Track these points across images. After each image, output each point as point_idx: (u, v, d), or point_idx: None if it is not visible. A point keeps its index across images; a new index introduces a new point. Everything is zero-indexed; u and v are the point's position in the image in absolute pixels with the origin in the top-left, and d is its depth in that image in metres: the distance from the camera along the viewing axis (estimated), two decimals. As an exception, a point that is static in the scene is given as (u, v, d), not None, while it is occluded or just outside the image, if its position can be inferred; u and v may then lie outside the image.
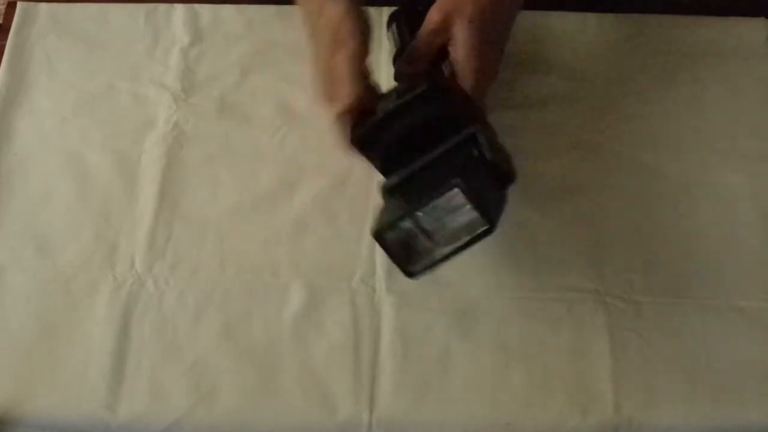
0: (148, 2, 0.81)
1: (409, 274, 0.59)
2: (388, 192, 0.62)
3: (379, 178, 0.64)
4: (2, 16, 0.81)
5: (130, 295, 0.68)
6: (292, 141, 0.75)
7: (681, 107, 0.77)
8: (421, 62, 0.65)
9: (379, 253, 0.70)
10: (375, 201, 0.72)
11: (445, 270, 0.69)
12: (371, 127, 0.61)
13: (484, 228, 0.57)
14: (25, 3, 0.81)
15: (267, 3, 0.81)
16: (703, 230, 0.72)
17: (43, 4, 0.81)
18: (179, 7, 0.81)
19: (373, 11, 0.66)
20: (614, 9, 0.82)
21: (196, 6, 0.81)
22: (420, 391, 0.65)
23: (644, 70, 0.79)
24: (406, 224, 0.58)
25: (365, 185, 0.71)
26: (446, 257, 0.59)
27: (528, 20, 0.80)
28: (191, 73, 0.78)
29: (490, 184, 0.60)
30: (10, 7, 0.81)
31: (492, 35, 0.64)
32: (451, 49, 0.63)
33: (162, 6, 0.81)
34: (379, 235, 0.58)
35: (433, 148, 0.60)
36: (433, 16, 0.63)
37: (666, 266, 0.70)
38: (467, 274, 0.69)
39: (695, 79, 0.79)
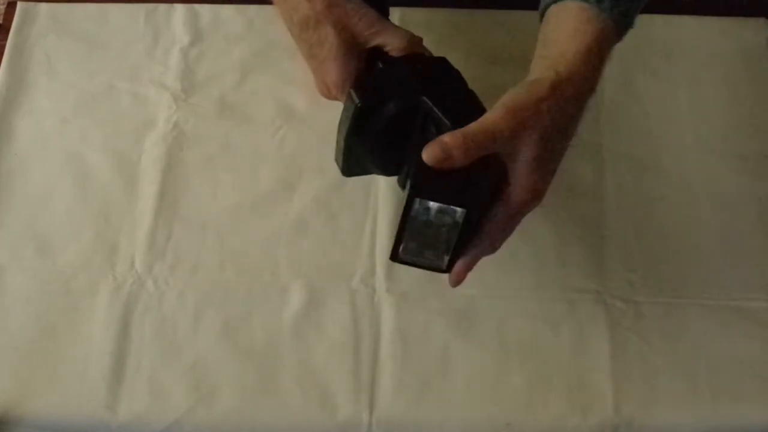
0: (148, 2, 0.81)
1: (442, 270, 0.59)
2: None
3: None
4: (2, 16, 0.81)
5: (130, 295, 0.68)
6: (292, 141, 0.75)
7: (681, 107, 0.77)
8: (460, 161, 0.52)
9: (379, 254, 0.70)
10: (375, 201, 0.72)
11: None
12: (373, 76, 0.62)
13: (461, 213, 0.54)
14: (25, 3, 0.81)
15: (267, 3, 0.81)
16: (703, 230, 0.72)
17: (43, 4, 0.81)
18: (179, 7, 0.81)
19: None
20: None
21: (196, 6, 0.81)
22: (420, 391, 0.65)
23: (644, 70, 0.79)
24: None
25: (365, 185, 0.71)
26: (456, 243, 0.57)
27: (528, 20, 0.80)
28: (191, 73, 0.78)
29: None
30: (10, 7, 0.81)
31: (555, 154, 0.56)
32: (508, 159, 0.54)
33: (162, 6, 0.81)
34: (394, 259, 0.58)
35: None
36: (500, 121, 0.52)
37: (666, 266, 0.70)
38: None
39: (695, 79, 0.79)
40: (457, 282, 0.59)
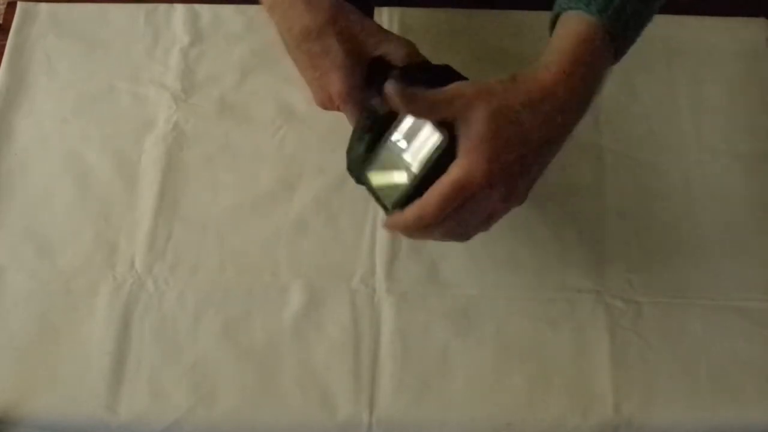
0: (148, 2, 0.81)
1: (387, 210, 0.59)
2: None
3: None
4: (2, 16, 0.81)
5: (130, 296, 0.68)
6: (292, 141, 0.75)
7: (681, 107, 0.77)
8: (411, 107, 0.54)
9: (379, 254, 0.70)
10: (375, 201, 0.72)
11: (445, 270, 0.69)
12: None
13: (441, 140, 0.55)
14: (25, 3, 0.81)
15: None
16: (703, 230, 0.72)
17: (43, 4, 0.81)
18: (179, 7, 0.81)
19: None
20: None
21: (196, 6, 0.81)
22: (420, 391, 0.65)
23: (644, 70, 0.79)
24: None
25: (365, 185, 0.71)
26: (419, 181, 0.57)
27: (528, 20, 0.80)
28: (191, 73, 0.78)
29: None
30: (10, 7, 0.81)
31: (510, 145, 0.54)
32: (460, 132, 0.54)
33: (162, 6, 0.81)
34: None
35: None
36: (457, 89, 0.54)
37: (666, 266, 0.70)
38: (467, 274, 0.69)
39: (695, 79, 0.79)
40: (385, 226, 0.60)
